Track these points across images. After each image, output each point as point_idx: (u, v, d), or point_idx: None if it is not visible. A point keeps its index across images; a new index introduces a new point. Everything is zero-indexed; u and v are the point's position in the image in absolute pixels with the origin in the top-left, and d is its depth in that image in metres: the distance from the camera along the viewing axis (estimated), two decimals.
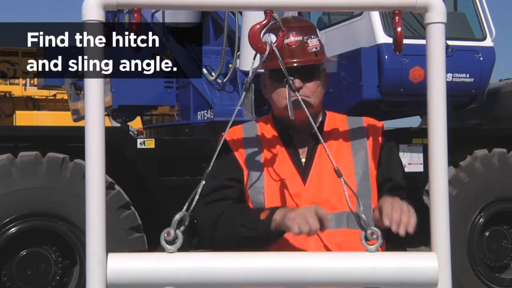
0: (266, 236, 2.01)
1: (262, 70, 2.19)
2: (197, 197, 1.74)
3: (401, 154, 6.40)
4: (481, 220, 6.74)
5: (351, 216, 2.04)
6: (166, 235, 1.68)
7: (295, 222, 1.90)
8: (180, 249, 1.69)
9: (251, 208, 2.16)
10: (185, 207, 1.72)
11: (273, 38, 2.00)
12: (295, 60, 2.15)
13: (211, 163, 1.85)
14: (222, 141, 1.93)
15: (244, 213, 2.11)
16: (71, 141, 5.85)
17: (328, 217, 1.90)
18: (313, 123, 1.92)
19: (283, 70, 1.91)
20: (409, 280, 1.70)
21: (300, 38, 2.18)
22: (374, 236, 1.75)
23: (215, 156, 1.87)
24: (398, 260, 1.73)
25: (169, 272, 1.65)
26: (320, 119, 2.27)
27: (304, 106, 1.95)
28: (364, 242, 1.75)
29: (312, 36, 2.20)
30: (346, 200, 1.88)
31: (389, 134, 2.29)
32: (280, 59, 1.89)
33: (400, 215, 1.89)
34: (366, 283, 1.72)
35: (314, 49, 2.19)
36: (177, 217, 1.70)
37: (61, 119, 12.56)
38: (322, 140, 1.93)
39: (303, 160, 2.21)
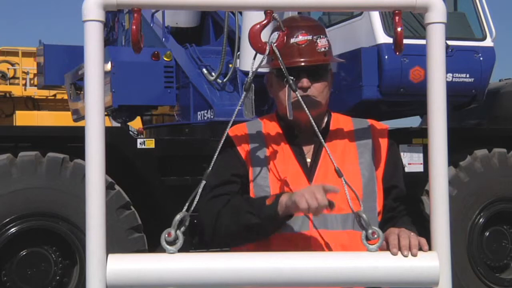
0: (272, 221, 2.00)
1: (263, 70, 2.19)
2: (197, 197, 1.74)
3: (401, 154, 6.41)
4: (481, 220, 6.74)
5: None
6: (166, 235, 1.68)
7: (303, 197, 1.89)
8: (181, 250, 1.69)
9: (254, 198, 2.14)
10: (185, 208, 1.72)
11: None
12: (304, 60, 2.15)
13: (213, 159, 1.84)
14: (225, 137, 1.91)
15: (249, 201, 2.09)
16: (71, 141, 5.85)
17: (336, 190, 1.88)
18: (314, 124, 1.91)
19: (283, 69, 1.91)
20: (411, 279, 1.70)
21: (309, 37, 2.17)
22: (375, 236, 1.75)
23: (217, 152, 1.86)
24: (400, 260, 1.73)
25: (169, 273, 1.65)
26: (325, 119, 2.27)
27: (305, 106, 1.94)
28: (365, 241, 1.74)
29: (321, 36, 2.20)
30: (352, 201, 1.87)
31: (392, 135, 2.30)
32: (281, 58, 1.89)
33: (408, 241, 1.82)
34: (368, 283, 1.72)
35: (323, 49, 2.19)
36: (178, 217, 1.69)
37: (61, 119, 12.58)
38: (323, 142, 1.92)
39: (309, 160, 2.21)
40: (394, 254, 1.77)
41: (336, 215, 2.12)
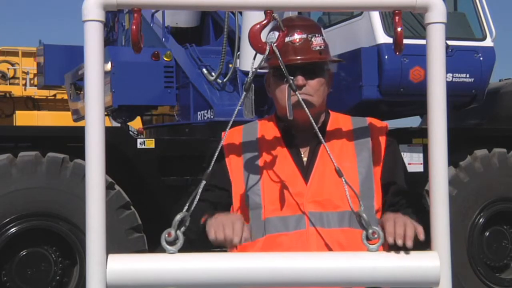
0: (205, 240, 1.95)
1: (263, 70, 2.19)
2: (197, 197, 1.73)
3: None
4: (481, 220, 6.74)
5: (353, 215, 2.04)
6: (166, 235, 1.68)
7: (212, 228, 1.88)
8: (181, 250, 1.68)
9: (208, 210, 2.10)
10: (185, 208, 1.72)
11: (277, 36, 2.00)
12: (298, 57, 2.16)
13: (211, 164, 1.84)
14: (220, 145, 1.91)
15: (197, 215, 2.05)
16: (71, 141, 5.85)
17: (245, 235, 1.84)
18: (313, 123, 1.91)
19: (283, 69, 1.91)
20: (411, 279, 1.70)
21: (304, 36, 2.18)
22: (375, 236, 1.74)
23: (214, 158, 1.85)
24: (400, 260, 1.73)
25: (170, 273, 1.65)
26: (322, 119, 2.26)
27: (305, 106, 1.94)
28: (366, 241, 1.74)
29: (317, 35, 2.21)
30: (351, 200, 1.87)
31: (392, 134, 2.29)
32: (280, 58, 1.89)
33: (403, 230, 1.82)
34: (368, 283, 1.71)
35: (318, 48, 2.19)
36: (178, 217, 1.69)
37: (61, 119, 12.57)
38: (322, 139, 1.92)
39: (305, 159, 2.21)
40: (390, 242, 1.78)
41: (333, 213, 2.12)
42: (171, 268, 1.66)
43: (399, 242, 1.78)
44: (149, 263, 1.67)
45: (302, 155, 2.22)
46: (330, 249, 2.08)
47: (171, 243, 1.68)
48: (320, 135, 1.92)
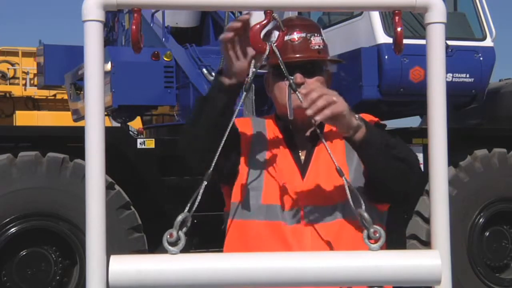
0: (219, 91, 2.05)
1: (263, 70, 2.20)
2: (199, 197, 1.73)
3: None
4: (481, 220, 6.74)
5: (345, 207, 2.06)
6: (168, 236, 1.68)
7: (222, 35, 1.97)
8: (182, 250, 1.69)
9: None
10: (187, 208, 1.72)
11: (277, 36, 2.01)
12: (297, 56, 2.17)
13: (212, 164, 1.82)
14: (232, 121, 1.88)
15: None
16: (71, 141, 5.86)
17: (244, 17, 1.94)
18: (313, 121, 1.92)
19: (283, 69, 1.91)
20: (413, 278, 1.70)
21: (303, 35, 2.20)
22: (377, 235, 1.75)
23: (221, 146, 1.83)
24: (402, 258, 1.73)
25: (172, 273, 1.65)
26: None
27: (302, 102, 1.94)
28: (367, 240, 1.74)
29: (316, 35, 2.22)
30: (341, 193, 1.88)
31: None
32: (280, 58, 1.89)
33: (317, 98, 1.87)
34: (370, 282, 1.71)
35: (317, 47, 2.21)
36: (180, 218, 1.69)
37: (61, 119, 12.58)
38: (322, 137, 1.92)
39: (303, 157, 2.24)
40: (305, 106, 1.86)
41: (327, 207, 2.15)
42: (174, 268, 1.66)
43: (305, 105, 1.86)
44: (151, 264, 1.67)
45: (300, 154, 2.24)
46: (325, 242, 2.11)
47: (173, 243, 1.67)
48: (320, 134, 1.93)
